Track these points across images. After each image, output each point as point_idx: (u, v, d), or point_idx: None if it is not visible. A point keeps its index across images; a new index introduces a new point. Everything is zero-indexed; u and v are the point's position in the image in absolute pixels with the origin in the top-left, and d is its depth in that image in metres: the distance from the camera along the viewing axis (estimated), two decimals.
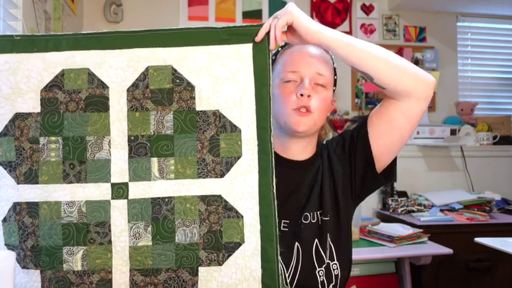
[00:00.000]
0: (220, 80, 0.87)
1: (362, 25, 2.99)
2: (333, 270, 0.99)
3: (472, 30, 3.19)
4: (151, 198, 0.86)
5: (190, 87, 0.87)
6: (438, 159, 2.91)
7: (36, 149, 0.87)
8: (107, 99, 0.87)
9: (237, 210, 0.86)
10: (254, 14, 2.85)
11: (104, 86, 0.87)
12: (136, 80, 0.87)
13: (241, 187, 0.86)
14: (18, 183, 0.87)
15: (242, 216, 0.85)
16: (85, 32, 0.89)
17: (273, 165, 0.86)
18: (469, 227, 2.29)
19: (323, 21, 2.94)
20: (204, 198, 0.86)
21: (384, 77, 0.93)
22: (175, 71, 0.87)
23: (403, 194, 2.76)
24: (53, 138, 0.87)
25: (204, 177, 0.86)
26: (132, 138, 0.87)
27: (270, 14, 2.86)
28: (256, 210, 0.85)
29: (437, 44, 3.07)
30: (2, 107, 0.88)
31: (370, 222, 2.34)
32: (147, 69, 0.87)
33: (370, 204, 2.77)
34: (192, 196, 0.86)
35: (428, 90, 0.94)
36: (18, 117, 0.88)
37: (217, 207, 0.86)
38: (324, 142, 1.13)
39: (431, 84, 0.95)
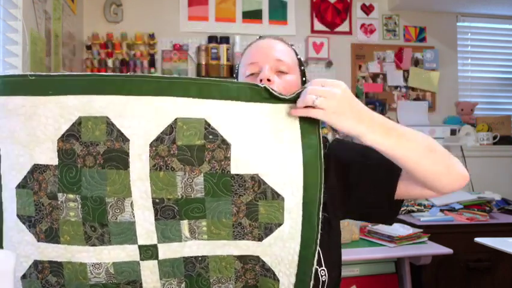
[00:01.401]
0: (261, 139, 0.77)
1: (362, 25, 2.99)
2: (321, 276, 0.94)
3: (472, 30, 3.19)
4: (183, 257, 0.80)
5: (226, 146, 0.76)
6: None
7: (56, 206, 0.79)
8: (127, 154, 0.76)
9: (274, 273, 0.81)
10: (254, 14, 2.85)
11: (124, 139, 0.76)
12: (161, 133, 0.75)
13: (281, 251, 0.80)
14: (38, 241, 0.79)
15: (278, 280, 0.81)
16: (107, 74, 0.78)
17: (318, 241, 0.79)
18: (469, 227, 2.29)
19: (323, 21, 2.94)
20: (240, 258, 0.80)
21: (423, 175, 0.83)
22: (209, 125, 0.75)
23: None
24: (71, 195, 0.78)
25: (240, 239, 0.79)
26: (157, 201, 0.77)
27: (270, 14, 2.86)
28: (292, 279, 0.81)
29: (437, 44, 3.07)
30: (22, 155, 0.79)
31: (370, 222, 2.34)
32: (175, 121, 0.75)
33: None
34: (228, 255, 0.80)
35: (455, 189, 0.86)
36: (36, 169, 0.79)
37: (254, 266, 0.81)
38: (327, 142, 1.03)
39: (462, 184, 0.85)
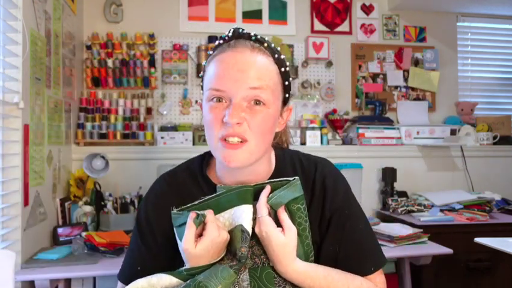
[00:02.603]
0: None
1: (362, 25, 2.99)
2: None
3: (472, 30, 3.20)
4: None
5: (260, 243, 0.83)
6: (438, 159, 2.92)
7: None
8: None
9: None
10: (254, 14, 2.85)
11: None
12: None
13: None
14: None
15: None
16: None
17: None
18: (469, 227, 2.29)
19: (323, 21, 2.94)
20: None
21: None
22: (244, 229, 0.81)
23: (403, 194, 2.76)
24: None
25: None
26: None
27: (270, 14, 2.87)
28: None
29: (437, 44, 3.07)
30: None
31: (370, 222, 2.33)
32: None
33: (370, 204, 2.77)
34: None
35: None
36: None
37: None
38: (317, 170, 0.93)
39: None
